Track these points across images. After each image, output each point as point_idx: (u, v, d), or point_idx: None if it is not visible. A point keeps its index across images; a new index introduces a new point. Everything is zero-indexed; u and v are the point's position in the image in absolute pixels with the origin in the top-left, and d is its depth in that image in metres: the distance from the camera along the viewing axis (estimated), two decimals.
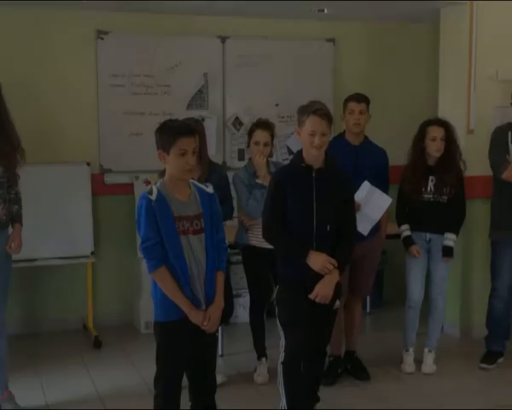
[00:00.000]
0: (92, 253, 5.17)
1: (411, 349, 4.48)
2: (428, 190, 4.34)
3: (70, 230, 5.09)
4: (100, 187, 5.36)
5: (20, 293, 5.20)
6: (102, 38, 5.30)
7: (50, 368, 4.54)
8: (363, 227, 4.02)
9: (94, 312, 5.31)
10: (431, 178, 4.34)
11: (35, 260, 4.95)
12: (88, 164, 5.22)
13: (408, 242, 4.39)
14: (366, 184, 4.08)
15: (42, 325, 5.35)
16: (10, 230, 3.76)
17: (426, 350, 4.49)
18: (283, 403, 3.37)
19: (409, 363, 4.46)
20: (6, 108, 3.70)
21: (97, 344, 4.95)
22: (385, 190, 4.19)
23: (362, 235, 3.96)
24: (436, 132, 4.29)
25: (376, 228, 4.20)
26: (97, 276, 5.45)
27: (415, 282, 4.41)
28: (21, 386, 4.05)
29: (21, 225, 3.80)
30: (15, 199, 3.79)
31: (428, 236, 4.39)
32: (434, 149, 4.29)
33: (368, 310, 5.81)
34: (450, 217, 4.35)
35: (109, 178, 5.39)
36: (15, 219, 3.77)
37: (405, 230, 4.40)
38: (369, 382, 4.28)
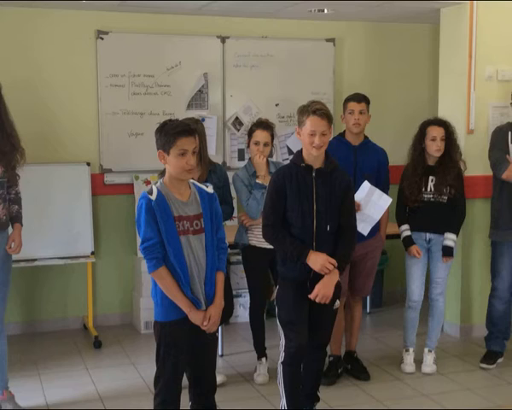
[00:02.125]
0: (92, 253, 5.17)
1: (411, 349, 4.48)
2: (428, 190, 4.34)
3: (70, 230, 5.09)
4: (100, 187, 5.36)
5: (20, 293, 5.20)
6: (102, 38, 5.30)
7: (50, 368, 4.54)
8: (363, 227, 4.02)
9: (94, 312, 5.31)
10: (431, 178, 4.33)
11: (35, 260, 4.95)
12: (88, 164, 5.22)
13: (408, 242, 4.39)
14: (366, 184, 4.08)
15: (42, 325, 5.35)
16: (10, 230, 3.77)
17: (426, 350, 4.49)
18: (283, 403, 3.37)
19: (409, 363, 4.45)
20: (6, 107, 3.70)
21: (97, 344, 4.95)
22: (385, 189, 4.19)
23: (362, 235, 3.96)
24: (436, 132, 4.29)
25: (376, 228, 4.20)
26: (97, 276, 5.45)
27: (414, 282, 4.42)
28: (21, 386, 4.05)
29: (21, 225, 3.80)
30: (15, 199, 3.79)
31: (428, 236, 4.39)
32: (434, 148, 4.29)
33: (368, 310, 5.81)
34: (450, 217, 4.35)
35: (109, 178, 5.39)
36: (15, 219, 3.77)
37: (405, 230, 4.40)
38: (369, 382, 4.28)
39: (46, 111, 5.22)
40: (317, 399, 3.58)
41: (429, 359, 4.47)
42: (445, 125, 4.34)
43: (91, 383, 4.28)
